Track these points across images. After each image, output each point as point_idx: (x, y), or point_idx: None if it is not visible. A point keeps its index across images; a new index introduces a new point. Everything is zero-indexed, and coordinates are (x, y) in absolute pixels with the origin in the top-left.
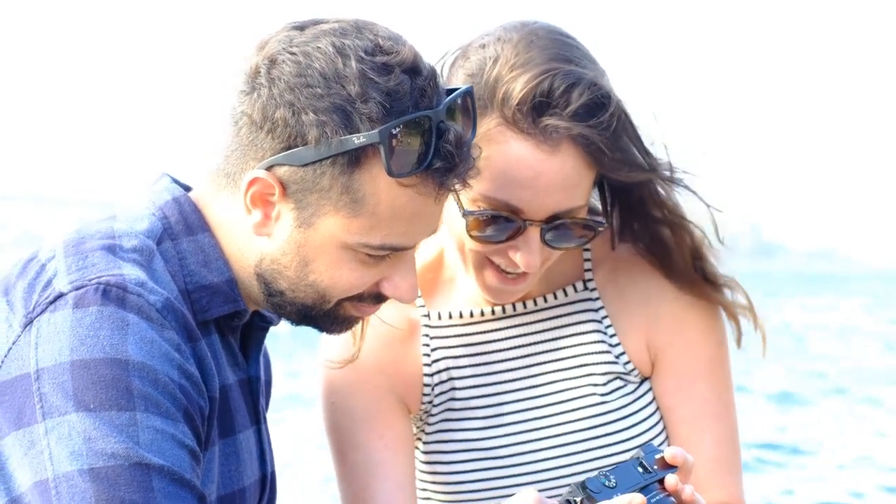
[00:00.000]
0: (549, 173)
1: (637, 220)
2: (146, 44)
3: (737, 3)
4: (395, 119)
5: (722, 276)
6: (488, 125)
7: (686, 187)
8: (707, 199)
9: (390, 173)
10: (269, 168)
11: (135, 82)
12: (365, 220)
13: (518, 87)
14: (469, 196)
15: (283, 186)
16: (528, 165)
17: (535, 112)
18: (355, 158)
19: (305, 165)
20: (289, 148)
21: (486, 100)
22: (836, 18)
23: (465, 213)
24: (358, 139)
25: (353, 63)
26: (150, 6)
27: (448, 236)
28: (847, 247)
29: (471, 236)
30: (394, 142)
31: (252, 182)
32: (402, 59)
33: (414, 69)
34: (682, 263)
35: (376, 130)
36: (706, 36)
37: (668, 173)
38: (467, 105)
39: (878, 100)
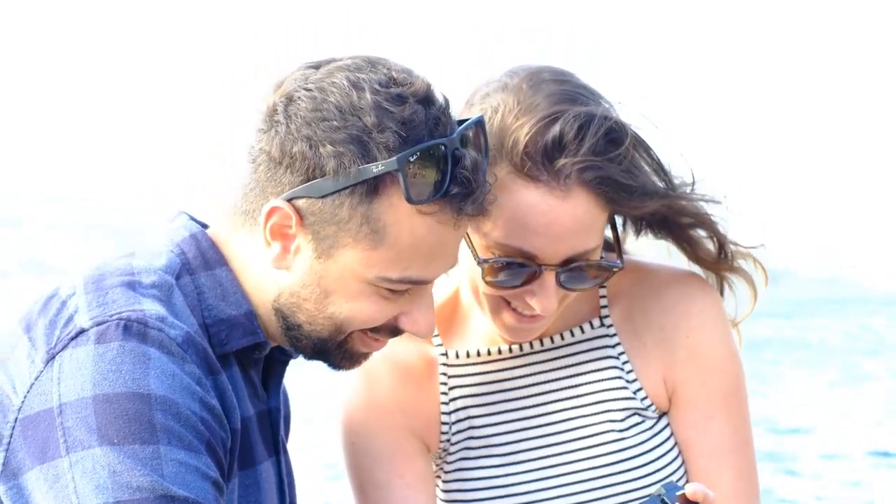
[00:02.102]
0: (561, 219)
1: (667, 235)
2: (145, 47)
3: (750, 15)
4: (412, 147)
5: (741, 253)
6: (499, 173)
7: (711, 200)
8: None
9: (409, 200)
10: (288, 200)
11: (135, 96)
12: (384, 253)
13: (525, 133)
14: (483, 244)
15: (301, 217)
16: (541, 212)
17: (545, 157)
18: (374, 188)
19: (324, 197)
20: (308, 181)
21: (494, 149)
22: (849, 40)
23: (480, 262)
24: (376, 167)
25: (368, 95)
26: (145, 10)
27: (463, 277)
28: (854, 271)
29: (486, 282)
30: (411, 169)
31: (271, 213)
32: (415, 90)
33: (427, 99)
34: (710, 253)
35: (394, 158)
36: (707, 59)
37: (688, 192)
38: (479, 134)
39: (887, 124)
